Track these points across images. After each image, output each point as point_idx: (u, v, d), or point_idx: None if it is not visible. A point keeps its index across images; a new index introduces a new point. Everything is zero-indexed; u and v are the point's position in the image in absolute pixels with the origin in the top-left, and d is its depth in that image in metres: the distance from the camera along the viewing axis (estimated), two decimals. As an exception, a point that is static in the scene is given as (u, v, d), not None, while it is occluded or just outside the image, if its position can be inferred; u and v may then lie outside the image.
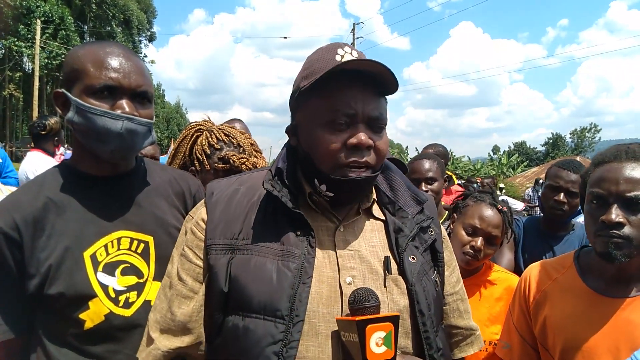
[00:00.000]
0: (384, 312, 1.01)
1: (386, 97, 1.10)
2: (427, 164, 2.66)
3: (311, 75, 1.04)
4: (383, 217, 1.16)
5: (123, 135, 1.24)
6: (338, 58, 1.03)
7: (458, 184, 5.65)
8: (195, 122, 2.03)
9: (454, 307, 1.24)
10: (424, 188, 2.58)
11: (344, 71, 1.01)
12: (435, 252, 1.18)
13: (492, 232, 1.87)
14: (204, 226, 1.10)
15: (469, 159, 36.21)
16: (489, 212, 1.90)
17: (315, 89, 1.03)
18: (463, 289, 1.29)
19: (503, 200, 2.02)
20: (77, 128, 1.26)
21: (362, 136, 1.01)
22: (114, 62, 1.25)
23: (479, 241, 1.87)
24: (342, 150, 1.02)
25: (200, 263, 1.09)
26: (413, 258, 1.10)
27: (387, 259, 1.08)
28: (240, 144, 1.89)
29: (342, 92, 1.02)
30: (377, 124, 1.05)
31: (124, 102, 1.25)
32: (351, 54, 1.05)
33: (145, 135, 1.30)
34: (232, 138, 1.89)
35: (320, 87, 1.02)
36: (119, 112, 1.23)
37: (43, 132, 3.94)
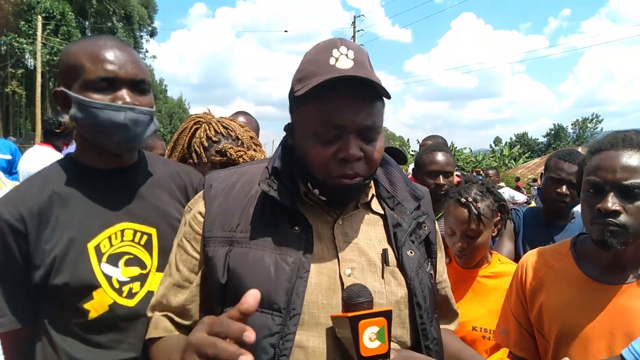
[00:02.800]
0: (382, 303, 1.03)
1: (384, 98, 1.06)
2: (445, 157, 2.64)
3: (305, 79, 1.02)
4: (382, 212, 1.17)
5: (127, 125, 1.25)
6: (332, 61, 1.00)
7: (457, 175, 5.62)
8: (195, 114, 2.02)
9: (442, 294, 1.29)
10: (442, 181, 2.58)
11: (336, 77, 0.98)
12: (429, 244, 1.21)
13: (463, 228, 1.90)
14: (201, 219, 1.11)
15: (471, 150, 36.15)
16: (456, 211, 1.93)
17: (307, 95, 1.00)
18: (447, 277, 1.34)
19: (485, 189, 2.00)
20: (81, 124, 1.27)
21: (351, 150, 0.99)
22: (109, 54, 1.26)
23: (458, 242, 1.92)
24: (331, 162, 1.02)
25: (197, 255, 1.11)
26: (411, 252, 1.12)
27: (384, 251, 1.10)
28: (239, 136, 1.88)
29: (333, 102, 0.99)
30: (368, 134, 1.02)
31: (123, 93, 1.25)
32: (347, 55, 1.01)
33: (147, 124, 1.31)
34: (231, 131, 1.88)
35: (312, 94, 0.99)
36: (120, 103, 1.24)
37: (57, 130, 3.96)
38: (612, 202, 1.23)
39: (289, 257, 1.03)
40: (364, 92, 1.01)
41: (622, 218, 1.23)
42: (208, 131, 1.86)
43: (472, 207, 1.89)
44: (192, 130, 1.91)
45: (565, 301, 1.37)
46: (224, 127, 1.88)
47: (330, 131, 1.00)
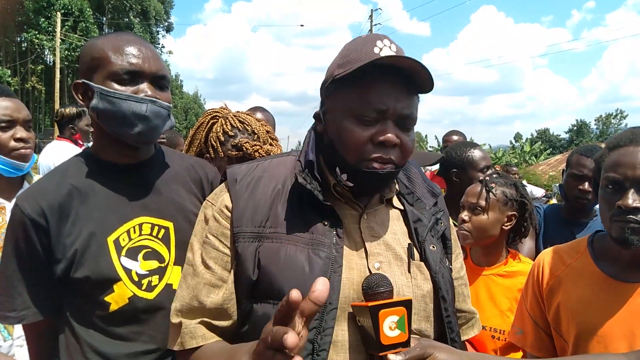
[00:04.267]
0: (407, 295, 1.03)
1: (419, 95, 1.09)
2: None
3: (347, 65, 1.04)
4: (402, 207, 1.17)
5: (148, 117, 1.27)
6: (376, 50, 1.02)
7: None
8: (212, 109, 2.03)
9: (459, 292, 1.26)
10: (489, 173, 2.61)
11: (380, 65, 1.00)
12: (445, 240, 1.20)
13: (470, 200, 1.98)
14: (229, 214, 1.09)
15: (490, 147, 35.71)
16: (472, 188, 2.03)
17: (348, 79, 1.02)
18: (466, 275, 1.32)
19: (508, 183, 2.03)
20: (101, 114, 1.28)
21: (390, 134, 1.01)
22: (133, 48, 1.29)
23: (463, 213, 1.99)
24: (368, 144, 1.02)
25: (228, 251, 1.07)
26: (433, 247, 1.12)
27: (410, 245, 1.10)
28: (255, 131, 1.88)
29: (376, 86, 1.02)
30: (406, 123, 1.04)
31: (145, 86, 1.29)
32: (390, 47, 1.04)
33: (166, 119, 1.34)
34: (247, 125, 1.88)
35: (355, 78, 1.01)
36: (142, 95, 1.27)
37: (56, 119, 4.07)
38: (632, 199, 1.21)
39: (321, 251, 1.02)
40: (405, 83, 1.03)
41: None
42: (224, 125, 1.86)
43: (486, 184, 1.98)
44: (209, 125, 1.91)
45: (583, 300, 1.35)
46: (240, 121, 1.88)
47: (371, 113, 1.01)
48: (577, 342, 1.34)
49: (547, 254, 1.53)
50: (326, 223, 1.05)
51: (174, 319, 1.08)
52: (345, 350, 0.99)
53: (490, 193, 1.95)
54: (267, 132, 1.94)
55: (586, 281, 1.37)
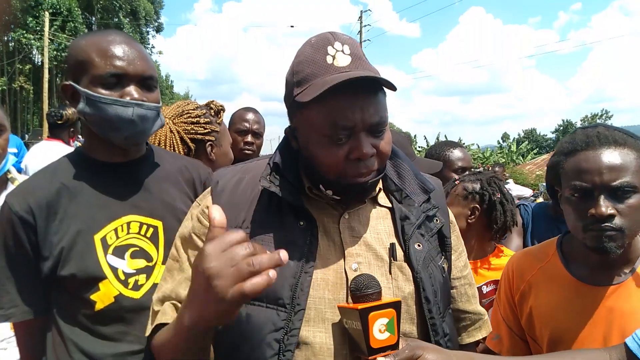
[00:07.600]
0: (387, 296, 1.01)
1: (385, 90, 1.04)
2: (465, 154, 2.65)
3: (304, 83, 0.99)
4: (389, 205, 1.16)
5: (135, 121, 1.26)
6: (329, 60, 0.98)
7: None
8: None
9: (462, 292, 1.24)
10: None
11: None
12: (443, 238, 1.18)
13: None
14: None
15: (479, 146, 35.88)
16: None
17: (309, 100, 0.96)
18: (471, 274, 1.28)
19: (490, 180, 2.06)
20: (89, 118, 1.28)
21: (364, 149, 0.98)
22: (118, 50, 1.27)
23: None
24: (345, 162, 1.00)
25: None
26: (419, 245, 1.10)
27: (392, 245, 1.08)
28: (209, 105, 2.04)
29: (338, 102, 0.96)
30: (377, 129, 1.00)
31: (132, 89, 1.27)
32: (342, 51, 0.99)
33: (154, 120, 1.33)
34: (199, 107, 2.01)
35: (314, 98, 0.95)
36: (128, 99, 1.25)
37: (59, 122, 3.92)
38: (605, 206, 1.17)
39: (294, 252, 1.01)
40: (367, 87, 0.98)
41: (617, 221, 1.17)
42: (189, 118, 1.94)
43: (450, 182, 2.08)
44: (174, 140, 1.90)
45: (554, 305, 1.32)
46: (193, 109, 1.98)
47: (340, 133, 0.98)
48: (550, 347, 1.32)
49: (517, 257, 1.51)
50: (302, 223, 1.05)
51: (156, 307, 1.09)
52: (324, 353, 0.98)
53: (449, 191, 2.04)
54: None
55: (556, 285, 1.34)
